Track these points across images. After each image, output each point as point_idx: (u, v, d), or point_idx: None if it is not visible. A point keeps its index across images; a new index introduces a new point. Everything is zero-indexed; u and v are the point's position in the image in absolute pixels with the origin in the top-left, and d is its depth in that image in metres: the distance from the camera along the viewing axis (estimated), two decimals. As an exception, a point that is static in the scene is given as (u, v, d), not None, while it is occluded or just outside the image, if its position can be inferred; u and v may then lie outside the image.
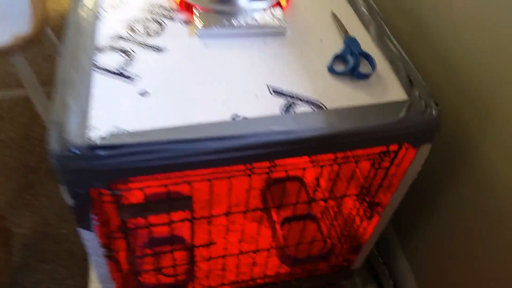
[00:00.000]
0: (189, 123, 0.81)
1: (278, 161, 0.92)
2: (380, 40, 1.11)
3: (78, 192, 0.79)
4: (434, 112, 0.94)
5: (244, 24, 1.05)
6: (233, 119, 0.84)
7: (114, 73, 0.90)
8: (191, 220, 1.19)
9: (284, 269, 1.81)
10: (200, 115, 0.84)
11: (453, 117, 1.20)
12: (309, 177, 2.12)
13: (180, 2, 1.13)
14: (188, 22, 1.09)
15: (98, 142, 0.73)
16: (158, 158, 0.79)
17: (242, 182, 1.01)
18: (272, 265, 1.84)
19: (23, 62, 1.74)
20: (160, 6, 1.14)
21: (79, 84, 0.86)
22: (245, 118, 0.85)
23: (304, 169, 1.26)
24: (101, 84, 0.87)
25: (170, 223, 1.08)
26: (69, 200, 0.84)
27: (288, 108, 0.90)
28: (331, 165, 1.08)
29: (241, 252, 1.46)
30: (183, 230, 1.32)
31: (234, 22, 1.03)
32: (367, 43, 1.10)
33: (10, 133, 2.21)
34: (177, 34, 1.05)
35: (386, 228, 1.41)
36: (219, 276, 1.76)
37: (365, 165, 1.25)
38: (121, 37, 1.00)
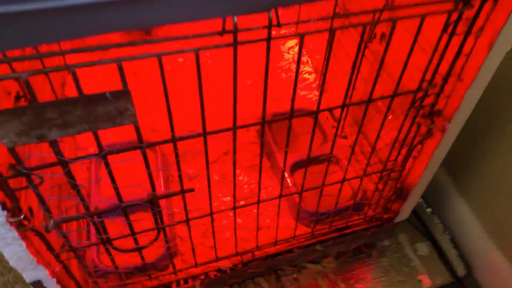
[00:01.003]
0: None
1: None
2: None
3: None
4: None
5: None
6: None
7: None
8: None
9: (302, 230, 1.31)
10: None
11: None
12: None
13: None
14: None
15: None
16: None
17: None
18: (285, 226, 1.33)
19: None
20: None
21: None
22: None
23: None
24: None
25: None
26: None
27: None
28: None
29: (235, 208, 0.95)
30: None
31: None
32: None
33: None
34: None
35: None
36: (210, 248, 1.26)
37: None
38: None
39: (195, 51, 0.64)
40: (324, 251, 1.32)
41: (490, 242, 1.32)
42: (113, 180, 0.75)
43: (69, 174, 0.75)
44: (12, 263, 0.79)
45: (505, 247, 1.28)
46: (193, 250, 1.05)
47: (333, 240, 1.29)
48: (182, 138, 0.76)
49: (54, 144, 0.66)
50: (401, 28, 1.08)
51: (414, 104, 0.96)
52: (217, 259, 1.17)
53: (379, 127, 0.99)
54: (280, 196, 1.05)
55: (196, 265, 1.15)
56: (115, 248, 0.88)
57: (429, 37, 0.96)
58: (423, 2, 0.75)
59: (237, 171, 1.51)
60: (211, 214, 0.96)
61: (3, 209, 0.70)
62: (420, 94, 0.94)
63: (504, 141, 1.21)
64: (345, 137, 1.62)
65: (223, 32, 0.64)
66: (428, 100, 0.98)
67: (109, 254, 0.89)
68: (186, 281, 1.17)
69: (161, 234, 0.91)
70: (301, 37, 0.68)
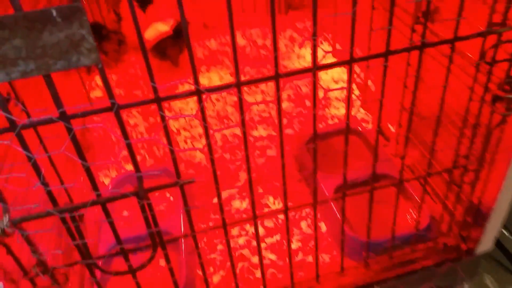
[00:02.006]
0: None
1: None
2: None
3: None
4: None
5: None
6: None
7: None
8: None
9: (353, 264, 1.03)
10: None
11: None
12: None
13: None
14: None
15: None
16: None
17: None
18: (331, 262, 1.07)
19: None
20: None
21: None
22: None
23: None
24: None
25: None
26: None
27: None
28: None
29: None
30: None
31: None
32: None
33: None
34: None
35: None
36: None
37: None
38: None
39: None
40: (383, 294, 1.02)
41: None
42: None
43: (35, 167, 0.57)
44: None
45: None
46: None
47: (394, 279, 1.00)
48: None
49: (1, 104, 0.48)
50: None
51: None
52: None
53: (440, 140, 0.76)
54: (315, 213, 0.80)
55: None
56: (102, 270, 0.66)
57: None
58: None
59: (273, 198, 1.28)
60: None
61: None
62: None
63: None
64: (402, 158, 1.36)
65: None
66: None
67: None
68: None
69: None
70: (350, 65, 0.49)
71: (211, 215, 1.25)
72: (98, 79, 1.89)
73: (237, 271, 1.09)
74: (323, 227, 1.20)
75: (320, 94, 1.65)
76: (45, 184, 0.56)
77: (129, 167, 1.41)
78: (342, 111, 1.57)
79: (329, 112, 1.57)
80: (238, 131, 1.51)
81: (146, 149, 1.50)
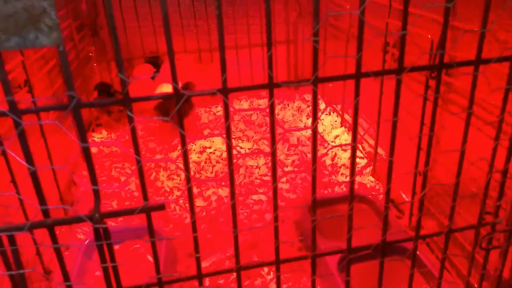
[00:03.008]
0: None
1: None
2: None
3: None
4: None
5: None
6: None
7: None
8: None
9: None
10: None
11: None
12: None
13: None
14: None
15: None
16: None
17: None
18: None
19: None
20: None
21: None
22: None
23: None
24: None
25: None
26: None
27: None
28: None
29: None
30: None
31: None
32: None
33: None
34: None
35: None
36: None
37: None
38: None
39: None
40: None
41: None
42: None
43: None
44: None
45: None
46: None
47: None
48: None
49: None
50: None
51: None
52: None
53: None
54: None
55: None
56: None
57: None
58: None
59: (267, 268, 1.11)
60: None
61: None
62: None
63: None
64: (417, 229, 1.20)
65: None
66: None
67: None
68: None
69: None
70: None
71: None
72: (96, 136, 1.83)
73: None
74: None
75: (328, 161, 1.55)
76: None
77: (111, 223, 1.27)
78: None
79: (336, 179, 1.45)
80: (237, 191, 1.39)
81: (135, 201, 1.38)
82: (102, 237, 0.53)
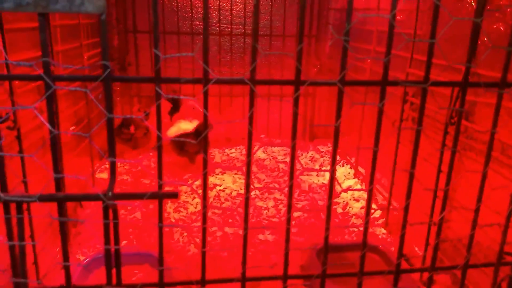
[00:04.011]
0: None
1: None
2: None
3: None
4: None
5: None
6: None
7: None
8: None
9: None
10: None
11: None
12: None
13: None
14: None
15: None
16: None
17: None
18: None
19: None
20: None
21: None
22: None
23: None
24: None
25: None
26: None
27: None
28: None
29: None
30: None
31: None
32: None
33: None
34: None
35: None
36: None
37: None
38: None
39: None
40: None
41: None
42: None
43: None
44: None
45: None
46: None
47: None
48: None
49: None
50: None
51: None
52: None
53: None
54: None
55: None
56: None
57: None
58: None
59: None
60: None
61: None
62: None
63: None
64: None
65: None
66: None
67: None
68: None
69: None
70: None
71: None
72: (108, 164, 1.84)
73: None
74: None
75: (339, 209, 1.52)
76: None
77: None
78: (361, 228, 1.41)
79: (347, 228, 1.41)
80: (241, 231, 1.36)
81: (135, 234, 1.34)
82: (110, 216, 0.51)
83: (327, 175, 1.79)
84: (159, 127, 0.51)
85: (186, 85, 2.13)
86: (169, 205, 1.51)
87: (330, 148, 2.04)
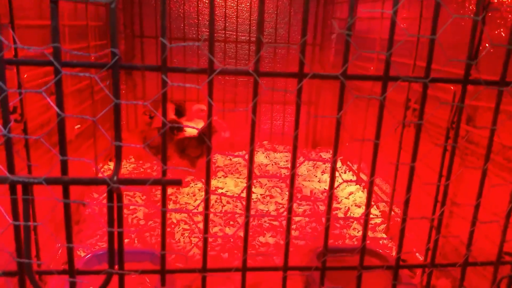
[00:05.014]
0: None
1: None
2: None
3: None
4: None
5: None
6: None
7: None
8: None
9: None
10: None
11: None
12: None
13: None
14: None
15: None
16: None
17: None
18: None
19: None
20: None
21: None
22: None
23: None
24: None
25: None
26: None
27: None
28: None
29: None
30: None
31: None
32: None
33: None
34: None
35: None
36: None
37: None
38: None
39: None
40: None
41: None
42: None
43: None
44: None
45: None
46: None
47: None
48: None
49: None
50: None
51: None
52: None
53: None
54: None
55: None
56: None
57: None
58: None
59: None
60: None
61: None
62: None
63: None
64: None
65: None
66: None
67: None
68: None
69: None
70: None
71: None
72: (111, 164, 1.86)
73: None
74: None
75: (340, 214, 1.52)
76: None
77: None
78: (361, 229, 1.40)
79: (348, 233, 1.41)
80: (242, 233, 1.36)
81: (136, 234, 1.35)
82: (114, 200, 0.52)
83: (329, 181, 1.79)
84: (164, 114, 0.52)
85: (190, 91, 2.15)
86: (170, 206, 1.52)
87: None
